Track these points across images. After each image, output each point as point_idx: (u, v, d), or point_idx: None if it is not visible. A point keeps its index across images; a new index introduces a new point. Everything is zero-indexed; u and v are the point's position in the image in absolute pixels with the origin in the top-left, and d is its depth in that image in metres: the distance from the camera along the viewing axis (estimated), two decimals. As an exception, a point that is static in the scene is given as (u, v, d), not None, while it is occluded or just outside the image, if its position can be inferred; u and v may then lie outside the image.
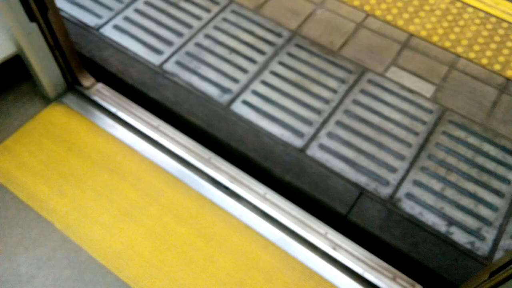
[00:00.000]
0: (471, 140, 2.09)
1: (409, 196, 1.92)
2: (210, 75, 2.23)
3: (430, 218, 1.87)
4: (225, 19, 2.45)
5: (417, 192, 1.94)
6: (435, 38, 2.41)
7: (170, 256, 1.78)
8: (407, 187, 1.95)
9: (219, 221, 1.86)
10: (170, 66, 2.26)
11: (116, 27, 2.40)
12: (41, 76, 2.04)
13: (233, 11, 2.48)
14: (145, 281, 1.72)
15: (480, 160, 2.03)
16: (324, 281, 1.75)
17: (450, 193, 1.94)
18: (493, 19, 2.51)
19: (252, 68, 2.27)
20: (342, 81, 2.24)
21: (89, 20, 2.42)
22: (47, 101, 2.16)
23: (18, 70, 2.15)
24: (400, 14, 2.51)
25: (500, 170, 2.01)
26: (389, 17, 2.49)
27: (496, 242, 1.85)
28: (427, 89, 2.24)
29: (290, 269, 1.76)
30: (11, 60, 2.01)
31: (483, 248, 1.83)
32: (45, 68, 2.03)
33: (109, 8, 2.47)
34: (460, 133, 2.10)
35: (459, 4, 2.57)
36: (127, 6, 2.49)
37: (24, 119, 2.10)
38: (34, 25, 1.85)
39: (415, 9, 2.54)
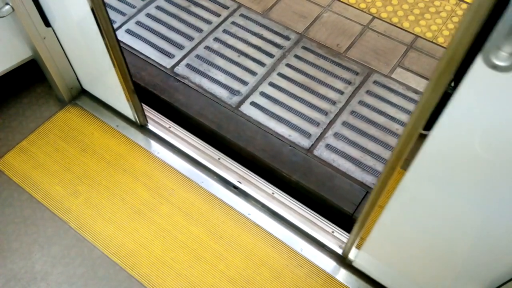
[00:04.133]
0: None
1: (415, 195, 1.95)
2: (220, 78, 2.28)
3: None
4: (234, 23, 2.50)
5: (423, 191, 1.96)
6: (440, 40, 2.44)
7: (181, 254, 1.82)
8: (413, 186, 1.97)
9: (228, 220, 1.90)
10: (181, 69, 2.31)
11: (129, 31, 2.45)
12: (56, 79, 2.09)
13: (242, 15, 2.53)
14: (157, 278, 1.76)
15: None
16: (331, 279, 1.78)
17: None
18: (498, 21, 2.53)
19: (260, 70, 2.31)
20: (349, 82, 2.28)
21: (102, 24, 2.47)
22: (62, 103, 2.22)
23: (34, 73, 2.21)
24: (406, 16, 2.54)
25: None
26: (395, 19, 2.52)
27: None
28: (433, 90, 2.26)
29: (297, 267, 1.80)
30: (27, 64, 2.07)
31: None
32: (60, 72, 2.09)
33: (121, 13, 2.53)
34: (466, 133, 2.12)
35: (464, 6, 2.59)
36: (139, 11, 2.54)
37: (40, 121, 2.16)
38: (49, 30, 1.90)
39: (421, 11, 2.57)
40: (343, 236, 1.85)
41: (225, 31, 2.46)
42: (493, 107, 0.88)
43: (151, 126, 2.12)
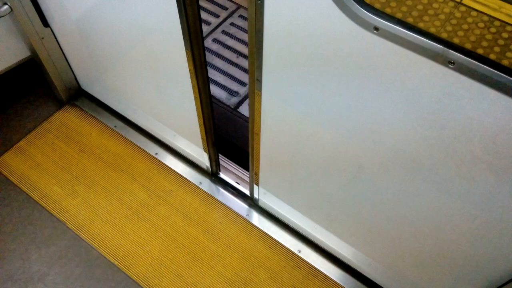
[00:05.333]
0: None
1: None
2: (219, 79, 2.28)
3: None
4: (233, 24, 2.49)
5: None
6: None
7: (179, 254, 1.81)
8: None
9: (226, 221, 1.89)
10: (179, 70, 2.31)
11: (127, 32, 2.45)
12: (54, 80, 2.09)
13: (241, 16, 2.52)
14: (154, 279, 1.76)
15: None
16: (329, 280, 1.77)
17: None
18: (497, 23, 2.53)
19: (259, 71, 2.31)
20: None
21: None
22: (60, 103, 2.22)
23: (33, 73, 2.21)
24: (404, 19, 2.54)
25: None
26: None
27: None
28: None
29: (295, 268, 1.79)
30: (25, 64, 2.06)
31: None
32: (58, 72, 2.08)
33: (119, 13, 2.53)
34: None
35: (463, 8, 2.59)
36: (137, 11, 2.54)
37: (38, 121, 2.15)
38: (48, 30, 1.90)
39: (419, 13, 2.56)
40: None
41: (224, 32, 2.46)
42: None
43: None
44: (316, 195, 1.56)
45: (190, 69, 1.44)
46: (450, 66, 0.86)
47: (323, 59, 1.07)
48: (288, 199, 1.73)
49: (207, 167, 1.97)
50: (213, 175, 2.00)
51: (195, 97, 1.56)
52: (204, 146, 1.82)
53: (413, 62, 0.90)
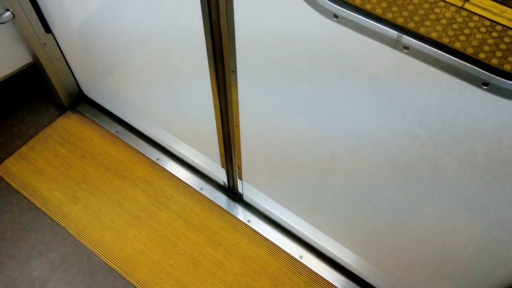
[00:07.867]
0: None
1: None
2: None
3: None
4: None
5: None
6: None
7: (180, 260, 1.81)
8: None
9: (227, 227, 1.89)
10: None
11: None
12: (56, 85, 2.09)
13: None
14: (155, 285, 1.75)
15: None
16: (332, 287, 1.76)
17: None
18: (499, 27, 2.53)
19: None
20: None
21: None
22: (61, 109, 2.22)
23: (34, 79, 2.21)
24: (406, 24, 2.53)
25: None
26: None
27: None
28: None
29: (296, 274, 1.78)
30: (27, 70, 2.07)
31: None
32: (60, 78, 2.09)
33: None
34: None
35: (464, 13, 2.59)
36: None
37: (39, 127, 2.15)
38: (50, 36, 1.91)
39: (421, 18, 2.56)
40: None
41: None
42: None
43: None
44: (298, 188, 1.57)
45: (212, 87, 1.43)
46: (405, 51, 0.88)
47: (290, 48, 1.08)
48: (273, 194, 1.75)
49: (224, 182, 1.96)
50: (229, 190, 1.98)
51: (216, 114, 1.54)
52: (222, 162, 1.82)
53: (370, 48, 0.92)
